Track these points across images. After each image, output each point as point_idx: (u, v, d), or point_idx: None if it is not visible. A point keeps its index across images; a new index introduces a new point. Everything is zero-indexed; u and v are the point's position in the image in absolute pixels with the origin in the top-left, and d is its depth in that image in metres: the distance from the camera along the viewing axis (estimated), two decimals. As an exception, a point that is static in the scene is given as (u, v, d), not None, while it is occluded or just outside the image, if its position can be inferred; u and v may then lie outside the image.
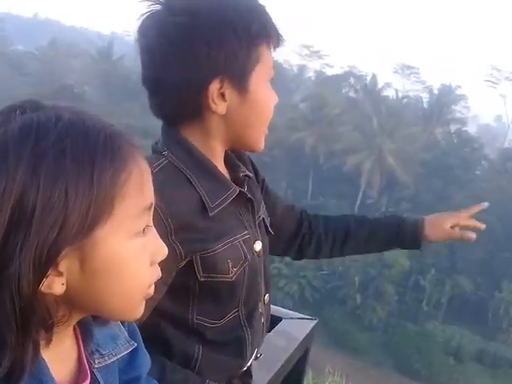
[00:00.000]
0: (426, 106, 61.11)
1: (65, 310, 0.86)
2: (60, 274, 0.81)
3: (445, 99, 59.22)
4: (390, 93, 58.58)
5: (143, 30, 1.44)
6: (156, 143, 1.52)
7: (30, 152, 0.78)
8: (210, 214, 1.45)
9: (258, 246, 1.59)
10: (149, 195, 0.90)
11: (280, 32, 1.50)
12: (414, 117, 54.87)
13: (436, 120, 55.96)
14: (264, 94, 1.50)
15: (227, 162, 1.61)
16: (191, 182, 1.45)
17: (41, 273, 0.79)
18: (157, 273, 0.94)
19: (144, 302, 0.94)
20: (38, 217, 0.77)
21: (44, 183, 0.77)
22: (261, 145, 1.57)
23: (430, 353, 35.40)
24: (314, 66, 74.32)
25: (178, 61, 1.39)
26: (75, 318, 0.92)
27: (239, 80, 1.43)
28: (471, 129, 63.15)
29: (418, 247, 1.98)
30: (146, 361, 1.10)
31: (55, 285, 0.81)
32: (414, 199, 46.39)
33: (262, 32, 1.44)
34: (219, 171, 1.52)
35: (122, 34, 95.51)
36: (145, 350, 1.09)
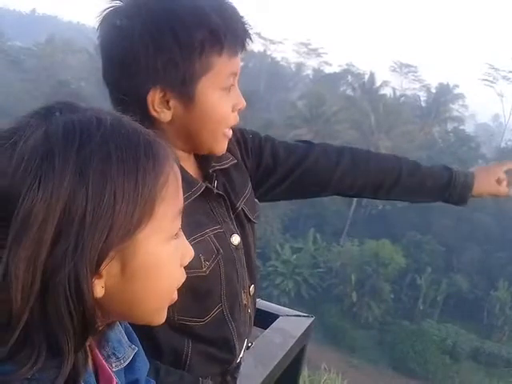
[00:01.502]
0: (423, 104, 61.23)
1: (103, 314, 0.87)
2: (100, 277, 0.82)
3: (442, 98, 59.32)
4: (387, 91, 58.68)
5: (100, 28, 1.41)
6: None
7: (75, 155, 0.78)
8: None
9: (235, 239, 1.57)
10: (182, 198, 0.92)
11: (241, 34, 1.41)
12: (412, 115, 54.92)
13: (433, 118, 56.05)
14: (213, 104, 1.42)
15: (198, 157, 1.58)
16: None
17: (92, 275, 0.79)
18: (184, 274, 0.96)
19: (167, 306, 0.95)
20: (90, 220, 0.77)
21: (93, 187, 0.78)
22: (220, 148, 1.52)
23: (426, 351, 35.49)
24: (311, 63, 74.34)
25: (117, 66, 1.36)
26: (106, 322, 0.92)
27: (182, 89, 1.38)
28: (468, 128, 63.25)
29: (463, 204, 1.97)
30: (144, 364, 1.10)
31: (96, 287, 0.81)
32: (410, 198, 46.40)
33: (210, 40, 1.35)
34: (183, 169, 1.50)
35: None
36: (143, 353, 1.09)
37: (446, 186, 1.93)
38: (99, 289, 0.82)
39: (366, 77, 59.98)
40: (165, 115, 1.40)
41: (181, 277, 0.95)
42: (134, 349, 1.05)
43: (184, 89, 1.38)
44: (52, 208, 0.76)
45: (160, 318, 0.95)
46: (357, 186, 1.89)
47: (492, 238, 41.63)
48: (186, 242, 0.96)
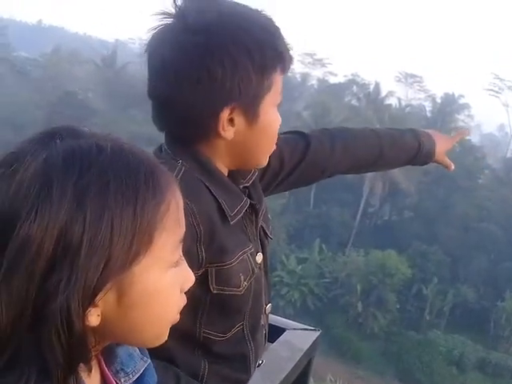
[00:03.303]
0: (428, 114, 61.22)
1: (98, 340, 0.86)
2: (96, 305, 0.80)
3: (448, 108, 59.33)
4: (392, 101, 58.64)
5: (156, 44, 1.40)
6: (160, 151, 1.49)
7: (74, 185, 0.77)
8: (232, 223, 1.45)
9: (259, 257, 1.58)
10: (183, 227, 0.90)
11: (291, 55, 1.47)
12: (417, 125, 54.62)
13: (439, 129, 55.83)
14: (271, 120, 1.48)
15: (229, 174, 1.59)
16: (210, 191, 1.44)
17: (86, 307, 0.78)
18: (184, 299, 0.95)
19: (169, 327, 0.95)
20: (85, 252, 0.76)
21: (90, 218, 0.77)
22: (265, 162, 1.57)
23: (432, 362, 35.34)
24: (317, 74, 74.44)
25: (192, 81, 1.35)
26: (103, 346, 0.91)
27: (250, 107, 1.41)
28: (474, 138, 63.17)
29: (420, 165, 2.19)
30: (152, 377, 1.09)
31: (92, 317, 0.80)
32: (416, 208, 46.36)
33: (277, 58, 1.41)
34: (231, 183, 1.51)
35: (127, 40, 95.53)
36: (152, 367, 1.08)
37: (413, 157, 2.07)
38: (95, 318, 0.81)
39: (371, 87, 60.03)
40: (230, 133, 1.41)
41: (181, 302, 0.94)
42: (145, 361, 1.04)
43: (253, 106, 1.41)
44: (47, 238, 0.75)
45: (160, 341, 0.94)
46: (346, 169, 2.01)
47: (499, 248, 41.47)
48: (187, 268, 0.95)
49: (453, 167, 2.19)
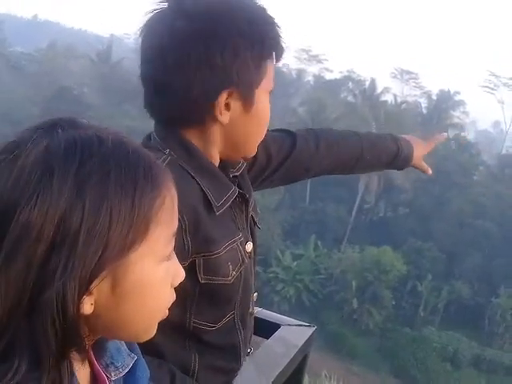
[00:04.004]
0: (424, 111, 61.38)
1: (89, 332, 0.86)
2: (91, 294, 0.81)
3: (443, 105, 59.50)
4: (388, 98, 58.64)
5: (151, 28, 1.41)
6: (148, 139, 1.50)
7: (75, 173, 0.78)
8: (217, 213, 1.45)
9: (249, 246, 1.59)
10: (176, 221, 0.92)
11: (284, 44, 1.50)
12: (413, 122, 54.83)
13: (434, 125, 56.03)
14: (264, 106, 1.50)
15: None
16: (196, 181, 1.44)
17: (81, 295, 0.79)
18: (174, 295, 0.96)
19: (157, 323, 0.95)
20: (83, 239, 0.77)
21: (89, 207, 0.78)
22: (254, 152, 1.59)
23: (427, 358, 35.44)
24: (312, 70, 74.48)
25: (190, 67, 1.37)
26: (94, 338, 0.92)
27: (247, 92, 1.43)
28: (469, 134, 63.34)
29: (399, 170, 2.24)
30: (145, 371, 1.09)
31: (85, 305, 0.81)
32: (411, 204, 46.44)
33: (273, 45, 1.45)
34: (220, 172, 1.52)
35: (122, 35, 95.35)
36: (144, 362, 1.08)
37: (393, 159, 2.10)
38: (89, 306, 0.82)
39: (367, 83, 60.12)
40: (225, 117, 1.43)
41: (171, 297, 0.95)
42: (133, 357, 1.04)
43: (249, 92, 1.43)
44: (47, 225, 0.76)
45: (148, 335, 0.95)
46: (331, 168, 2.03)
47: (493, 244, 41.58)
48: (178, 263, 0.95)
49: (430, 172, 2.25)
